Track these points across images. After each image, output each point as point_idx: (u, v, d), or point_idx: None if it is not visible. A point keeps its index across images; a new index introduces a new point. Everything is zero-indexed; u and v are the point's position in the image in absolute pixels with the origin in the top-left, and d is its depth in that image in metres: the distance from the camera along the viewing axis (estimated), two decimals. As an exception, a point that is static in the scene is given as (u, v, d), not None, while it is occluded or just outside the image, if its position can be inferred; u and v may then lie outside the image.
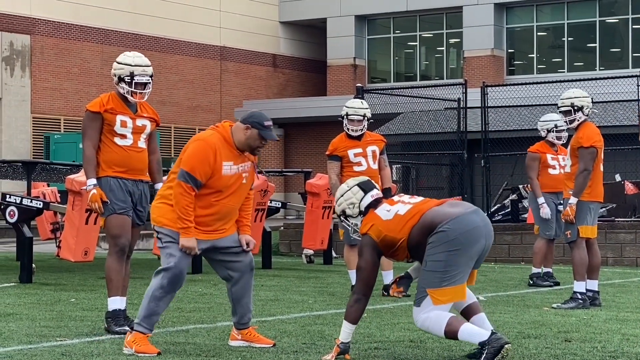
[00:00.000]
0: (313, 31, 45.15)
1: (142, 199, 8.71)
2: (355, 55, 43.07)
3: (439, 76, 42.82)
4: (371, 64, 44.03)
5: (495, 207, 20.75)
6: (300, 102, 41.51)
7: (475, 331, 6.78)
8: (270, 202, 16.68)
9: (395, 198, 7.31)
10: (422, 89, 25.73)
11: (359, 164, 11.80)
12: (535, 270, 13.45)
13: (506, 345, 6.67)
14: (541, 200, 13.33)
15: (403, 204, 7.17)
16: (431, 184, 26.73)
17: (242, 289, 7.71)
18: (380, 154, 11.92)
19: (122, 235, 8.55)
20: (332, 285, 13.35)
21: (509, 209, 20.07)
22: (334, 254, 18.36)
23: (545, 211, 13.28)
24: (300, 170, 20.72)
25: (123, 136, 8.55)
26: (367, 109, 11.95)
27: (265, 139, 7.45)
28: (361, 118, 11.82)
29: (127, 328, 8.26)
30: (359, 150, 11.81)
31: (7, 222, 13.96)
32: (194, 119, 41.00)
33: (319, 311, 10.20)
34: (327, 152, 11.97)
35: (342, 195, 7.35)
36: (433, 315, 6.86)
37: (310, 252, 17.89)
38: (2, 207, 13.85)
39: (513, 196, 19.82)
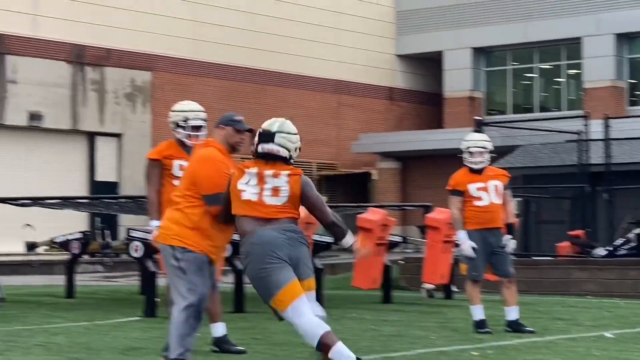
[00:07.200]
0: (429, 64, 45.08)
1: None
2: (472, 87, 42.86)
3: (557, 108, 42.31)
4: (488, 95, 43.75)
5: (620, 242, 20.33)
6: (417, 135, 41.41)
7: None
8: (390, 236, 16.62)
9: None
10: (540, 121, 25.46)
11: (479, 198, 11.65)
12: None
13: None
14: None
15: None
16: (552, 218, 26.36)
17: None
18: (504, 188, 11.77)
19: None
20: (455, 321, 13.20)
21: (634, 243, 19.67)
22: (454, 289, 18.18)
23: None
24: (420, 204, 20.61)
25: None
26: (487, 141, 11.81)
27: (240, 130, 7.75)
28: (482, 150, 11.68)
29: None
30: (481, 184, 11.66)
31: (130, 256, 14.18)
32: (311, 152, 41.21)
33: (442, 347, 10.09)
34: (447, 187, 11.87)
35: None
36: None
37: (431, 286, 17.74)
38: (127, 242, 14.08)
39: (638, 230, 19.43)
